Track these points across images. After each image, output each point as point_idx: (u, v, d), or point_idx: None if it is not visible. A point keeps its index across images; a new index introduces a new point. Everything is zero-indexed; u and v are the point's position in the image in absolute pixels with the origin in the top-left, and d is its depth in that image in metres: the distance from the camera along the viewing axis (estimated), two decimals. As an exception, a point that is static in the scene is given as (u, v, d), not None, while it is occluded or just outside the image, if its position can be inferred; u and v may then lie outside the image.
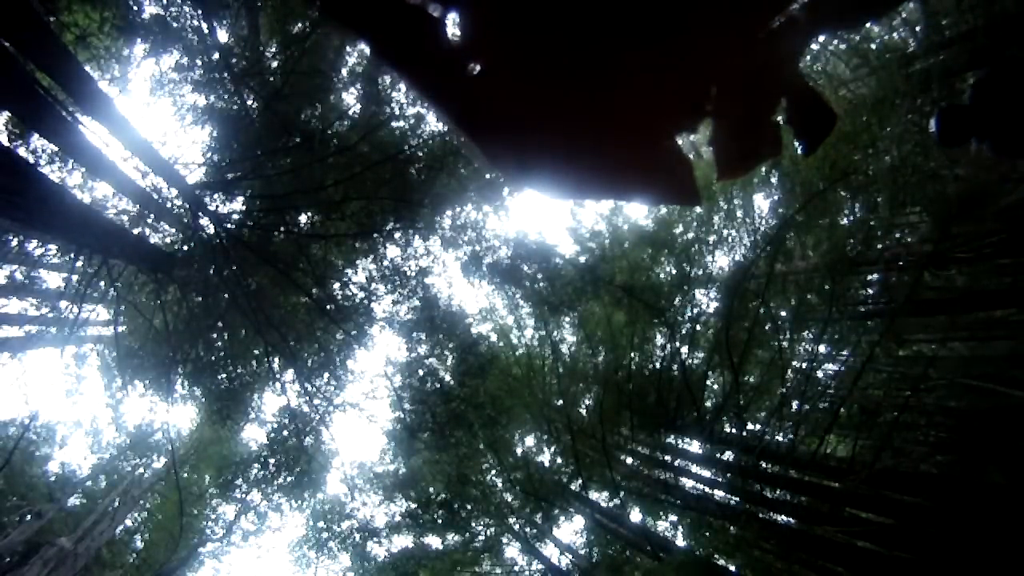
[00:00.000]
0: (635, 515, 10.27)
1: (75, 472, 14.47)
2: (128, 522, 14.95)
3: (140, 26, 6.52)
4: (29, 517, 12.84)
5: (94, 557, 13.41)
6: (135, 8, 6.55)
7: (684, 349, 8.87)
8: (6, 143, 7.05)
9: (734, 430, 8.38)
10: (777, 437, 7.79)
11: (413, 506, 11.56)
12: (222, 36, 6.36)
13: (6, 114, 7.23)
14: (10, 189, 6.11)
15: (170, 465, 12.74)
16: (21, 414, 13.50)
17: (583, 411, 10.83)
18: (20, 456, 12.87)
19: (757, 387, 8.74)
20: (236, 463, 11.31)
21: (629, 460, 10.34)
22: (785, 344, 7.90)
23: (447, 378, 9.65)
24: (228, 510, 13.90)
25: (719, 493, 8.35)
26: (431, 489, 11.54)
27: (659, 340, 9.69)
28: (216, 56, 5.98)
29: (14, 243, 6.60)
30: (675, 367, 8.92)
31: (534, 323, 10.88)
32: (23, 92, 6.01)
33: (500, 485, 11.23)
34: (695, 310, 9.54)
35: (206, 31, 6.14)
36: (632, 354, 9.14)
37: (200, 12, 6.31)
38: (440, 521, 11.21)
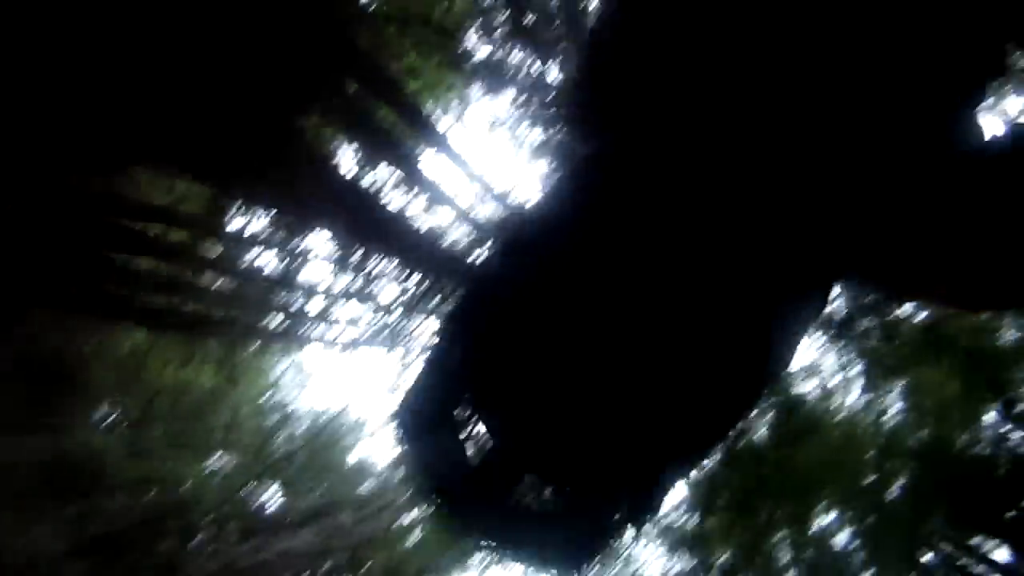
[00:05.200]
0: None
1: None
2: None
3: (475, 67, 7.16)
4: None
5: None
6: (469, 52, 7.23)
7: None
8: (353, 175, 8.34)
9: None
10: None
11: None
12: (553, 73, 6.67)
13: (355, 147, 8.61)
14: (354, 214, 7.10)
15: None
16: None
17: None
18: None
19: None
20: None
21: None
22: None
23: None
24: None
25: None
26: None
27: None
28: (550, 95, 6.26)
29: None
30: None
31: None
32: (370, 129, 6.93)
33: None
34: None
35: (538, 69, 6.45)
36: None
37: (530, 51, 6.66)
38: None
